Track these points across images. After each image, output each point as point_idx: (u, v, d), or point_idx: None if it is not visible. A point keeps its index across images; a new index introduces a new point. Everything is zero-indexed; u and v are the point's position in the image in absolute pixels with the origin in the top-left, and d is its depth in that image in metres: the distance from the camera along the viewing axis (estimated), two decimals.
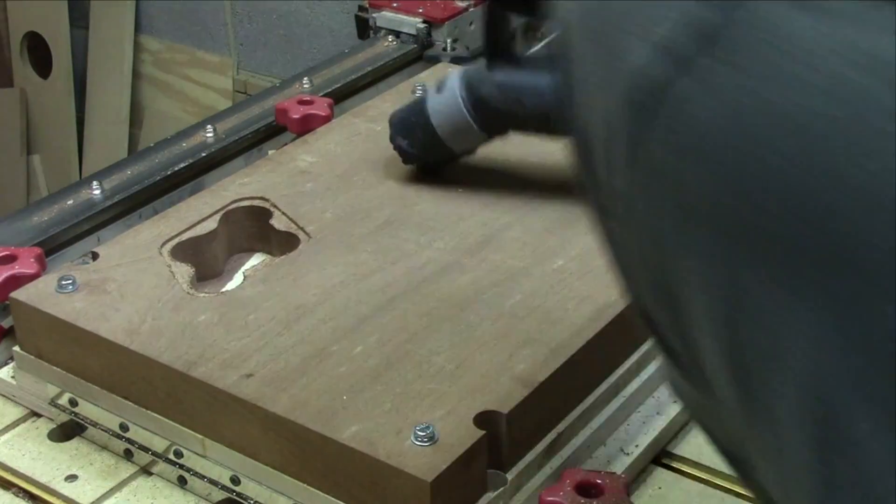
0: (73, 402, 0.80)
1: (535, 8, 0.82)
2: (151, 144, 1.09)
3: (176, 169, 1.03)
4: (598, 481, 0.69)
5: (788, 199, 0.36)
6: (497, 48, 0.85)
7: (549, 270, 0.81)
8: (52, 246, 0.94)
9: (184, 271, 0.83)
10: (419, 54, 1.26)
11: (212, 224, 0.89)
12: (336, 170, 0.95)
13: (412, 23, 1.27)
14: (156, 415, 0.76)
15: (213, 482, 0.75)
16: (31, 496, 0.77)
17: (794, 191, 0.36)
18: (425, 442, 0.66)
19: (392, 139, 0.92)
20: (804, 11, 0.36)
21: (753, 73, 0.36)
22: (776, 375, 0.38)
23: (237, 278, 0.89)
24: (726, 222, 0.38)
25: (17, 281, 0.84)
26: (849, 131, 0.35)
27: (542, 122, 0.84)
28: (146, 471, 0.78)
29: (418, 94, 1.06)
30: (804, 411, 0.37)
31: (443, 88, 0.88)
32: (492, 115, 0.87)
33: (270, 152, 1.05)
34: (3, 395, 0.84)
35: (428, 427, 0.67)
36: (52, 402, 0.81)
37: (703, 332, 0.41)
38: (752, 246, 0.38)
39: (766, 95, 0.36)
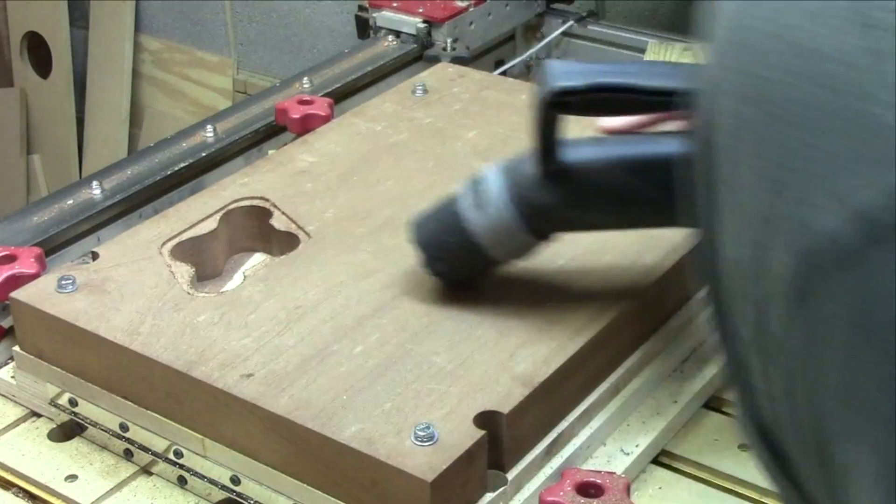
0: (73, 402, 0.80)
1: (596, 110, 0.77)
2: (151, 144, 1.09)
3: (176, 169, 1.03)
4: (598, 481, 0.69)
5: None
6: (549, 154, 0.73)
7: (549, 270, 0.81)
8: (52, 246, 0.94)
9: (184, 271, 0.83)
10: (419, 54, 1.27)
11: (212, 224, 0.89)
12: (336, 170, 0.95)
13: (412, 22, 1.27)
14: (156, 415, 0.76)
15: (213, 482, 0.75)
16: (31, 496, 0.77)
17: None
18: (425, 442, 0.66)
19: (428, 265, 0.79)
20: None
21: None
22: None
23: (237, 278, 0.89)
24: None
25: (17, 281, 0.84)
26: None
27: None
28: (146, 471, 0.78)
29: (418, 94, 1.06)
30: None
31: (484, 204, 0.75)
32: (555, 220, 0.77)
33: (270, 152, 1.05)
34: (3, 395, 0.84)
35: (428, 427, 0.67)
36: (52, 402, 0.81)
37: (864, 496, 0.36)
38: None
39: None
